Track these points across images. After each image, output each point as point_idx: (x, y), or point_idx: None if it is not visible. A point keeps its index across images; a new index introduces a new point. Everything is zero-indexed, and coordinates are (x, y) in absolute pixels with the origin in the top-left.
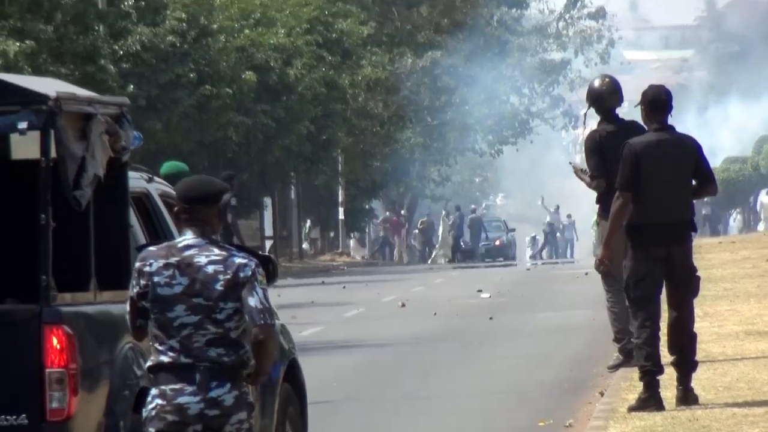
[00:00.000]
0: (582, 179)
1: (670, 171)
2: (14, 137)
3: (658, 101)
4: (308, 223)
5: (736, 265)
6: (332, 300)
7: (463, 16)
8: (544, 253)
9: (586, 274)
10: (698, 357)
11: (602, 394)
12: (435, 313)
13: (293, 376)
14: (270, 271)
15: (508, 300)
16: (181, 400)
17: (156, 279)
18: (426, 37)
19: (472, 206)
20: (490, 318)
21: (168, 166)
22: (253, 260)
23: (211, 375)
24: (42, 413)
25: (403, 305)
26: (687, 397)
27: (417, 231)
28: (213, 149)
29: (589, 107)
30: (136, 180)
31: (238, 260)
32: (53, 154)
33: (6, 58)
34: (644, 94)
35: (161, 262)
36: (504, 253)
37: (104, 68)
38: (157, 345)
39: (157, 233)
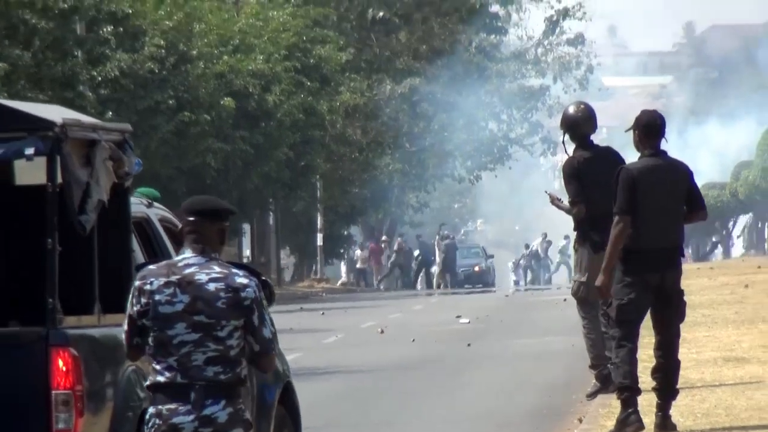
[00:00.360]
0: (559, 207)
1: (664, 196)
2: (18, 163)
3: (652, 126)
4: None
5: (714, 291)
6: (311, 326)
7: (442, 43)
8: (524, 281)
9: (565, 300)
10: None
11: (581, 421)
12: (413, 340)
13: (288, 398)
14: (267, 295)
15: (487, 326)
16: (176, 420)
17: (157, 297)
18: (405, 63)
19: (445, 232)
20: (469, 344)
21: (139, 193)
22: (254, 280)
23: (206, 393)
24: None
25: (383, 331)
26: (666, 424)
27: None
28: (192, 175)
29: (564, 133)
30: (136, 205)
31: (240, 280)
32: (59, 179)
33: None
34: (638, 119)
35: (162, 281)
36: (483, 280)
37: (83, 94)
38: (155, 364)
39: (157, 257)
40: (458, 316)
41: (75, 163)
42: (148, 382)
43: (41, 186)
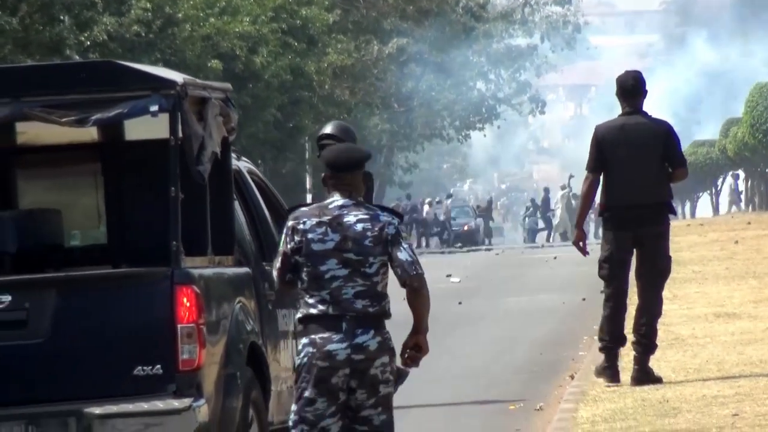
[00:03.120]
0: None
1: (634, 154)
2: (128, 121)
3: (623, 87)
4: None
5: (705, 247)
6: None
7: (429, 3)
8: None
9: (555, 258)
10: (668, 339)
11: (572, 377)
12: (404, 298)
13: None
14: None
15: (478, 284)
16: (331, 347)
17: (310, 236)
18: (392, 24)
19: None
20: (460, 302)
21: None
22: (396, 219)
23: (356, 324)
24: (175, 364)
25: None
26: (641, 377)
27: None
28: None
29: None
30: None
31: (384, 218)
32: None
33: None
34: (617, 79)
35: (314, 221)
36: (473, 239)
37: (70, 59)
38: (307, 298)
39: (248, 205)
40: (449, 275)
41: (193, 118)
42: (299, 315)
43: (149, 141)
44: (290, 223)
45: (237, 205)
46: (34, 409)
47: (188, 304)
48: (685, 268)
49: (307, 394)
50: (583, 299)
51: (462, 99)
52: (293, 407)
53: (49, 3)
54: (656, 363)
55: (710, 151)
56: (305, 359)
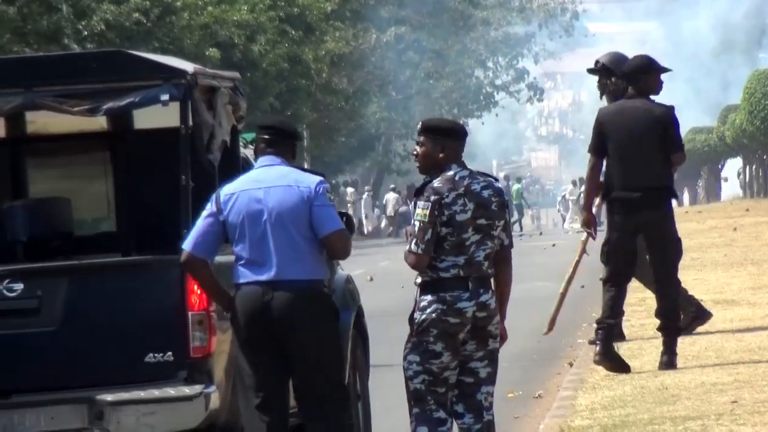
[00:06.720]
0: None
1: (634, 138)
2: (137, 110)
3: (640, 68)
4: None
5: (703, 234)
6: None
7: None
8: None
9: (554, 245)
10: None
11: (571, 365)
12: (403, 287)
13: (359, 323)
14: None
15: None
16: (461, 305)
17: (453, 208)
18: (390, 11)
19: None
20: None
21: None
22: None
23: (479, 284)
24: (186, 351)
25: (372, 279)
26: (671, 361)
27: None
28: None
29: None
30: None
31: (497, 184)
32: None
33: None
34: (627, 62)
35: (453, 194)
36: None
37: (68, 48)
38: (439, 263)
39: None
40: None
41: (203, 107)
42: (419, 279)
43: (158, 130)
44: (434, 197)
45: None
46: (46, 397)
47: (199, 292)
48: (683, 255)
49: (433, 347)
50: (582, 287)
51: (460, 87)
52: (411, 357)
53: None
54: (655, 350)
55: (708, 138)
56: (433, 314)
